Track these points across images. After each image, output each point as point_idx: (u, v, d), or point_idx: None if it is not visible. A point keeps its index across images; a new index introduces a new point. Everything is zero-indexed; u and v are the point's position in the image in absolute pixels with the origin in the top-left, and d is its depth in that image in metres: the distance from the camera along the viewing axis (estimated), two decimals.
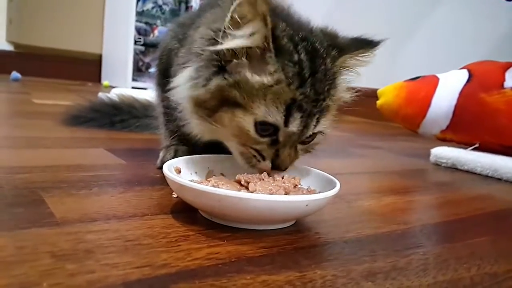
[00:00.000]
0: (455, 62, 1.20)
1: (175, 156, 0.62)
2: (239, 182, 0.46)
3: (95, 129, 0.91)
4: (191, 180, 0.47)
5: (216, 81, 0.44)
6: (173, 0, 2.82)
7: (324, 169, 0.52)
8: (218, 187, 0.44)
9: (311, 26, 0.49)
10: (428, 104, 1.00)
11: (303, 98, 0.43)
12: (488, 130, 0.95)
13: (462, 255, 0.41)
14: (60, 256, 0.32)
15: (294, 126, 0.44)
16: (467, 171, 0.92)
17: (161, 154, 0.65)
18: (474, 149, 0.99)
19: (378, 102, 1.07)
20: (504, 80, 0.94)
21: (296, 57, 0.43)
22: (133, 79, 2.69)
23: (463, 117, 0.98)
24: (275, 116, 0.43)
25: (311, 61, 0.44)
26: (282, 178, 0.46)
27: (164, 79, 0.59)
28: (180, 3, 2.85)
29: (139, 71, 2.71)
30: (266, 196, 0.39)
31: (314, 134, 0.47)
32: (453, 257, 0.41)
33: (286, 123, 0.44)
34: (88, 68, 2.90)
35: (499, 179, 0.86)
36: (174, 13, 2.81)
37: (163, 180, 0.43)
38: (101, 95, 1.21)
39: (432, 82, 1.02)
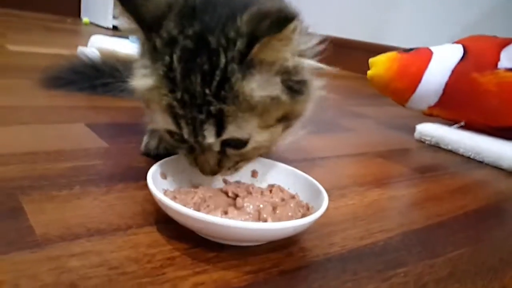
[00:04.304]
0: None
1: (158, 144, 0.60)
2: (226, 193, 0.45)
3: (75, 94, 0.87)
4: (179, 190, 0.46)
5: None
6: None
7: (309, 150, 0.50)
8: (205, 201, 0.43)
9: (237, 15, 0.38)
10: (419, 80, 0.98)
11: (177, 105, 0.39)
12: (477, 110, 0.95)
13: (442, 276, 0.43)
14: None
15: (186, 134, 0.41)
16: (450, 151, 0.93)
17: (145, 139, 0.63)
18: (460, 127, 0.99)
19: (369, 72, 1.04)
20: (499, 60, 0.92)
21: (167, 59, 0.39)
22: (114, 17, 2.57)
23: (453, 95, 0.97)
24: (168, 124, 0.41)
25: (187, 61, 0.38)
26: (270, 192, 0.45)
27: None
28: None
29: None
30: (251, 224, 0.39)
31: (238, 141, 0.41)
32: (433, 279, 0.42)
33: (181, 130, 0.41)
34: (67, 1, 2.73)
35: (481, 162, 0.88)
36: None
37: (147, 173, 0.42)
38: (80, 51, 1.14)
39: (425, 57, 0.99)
